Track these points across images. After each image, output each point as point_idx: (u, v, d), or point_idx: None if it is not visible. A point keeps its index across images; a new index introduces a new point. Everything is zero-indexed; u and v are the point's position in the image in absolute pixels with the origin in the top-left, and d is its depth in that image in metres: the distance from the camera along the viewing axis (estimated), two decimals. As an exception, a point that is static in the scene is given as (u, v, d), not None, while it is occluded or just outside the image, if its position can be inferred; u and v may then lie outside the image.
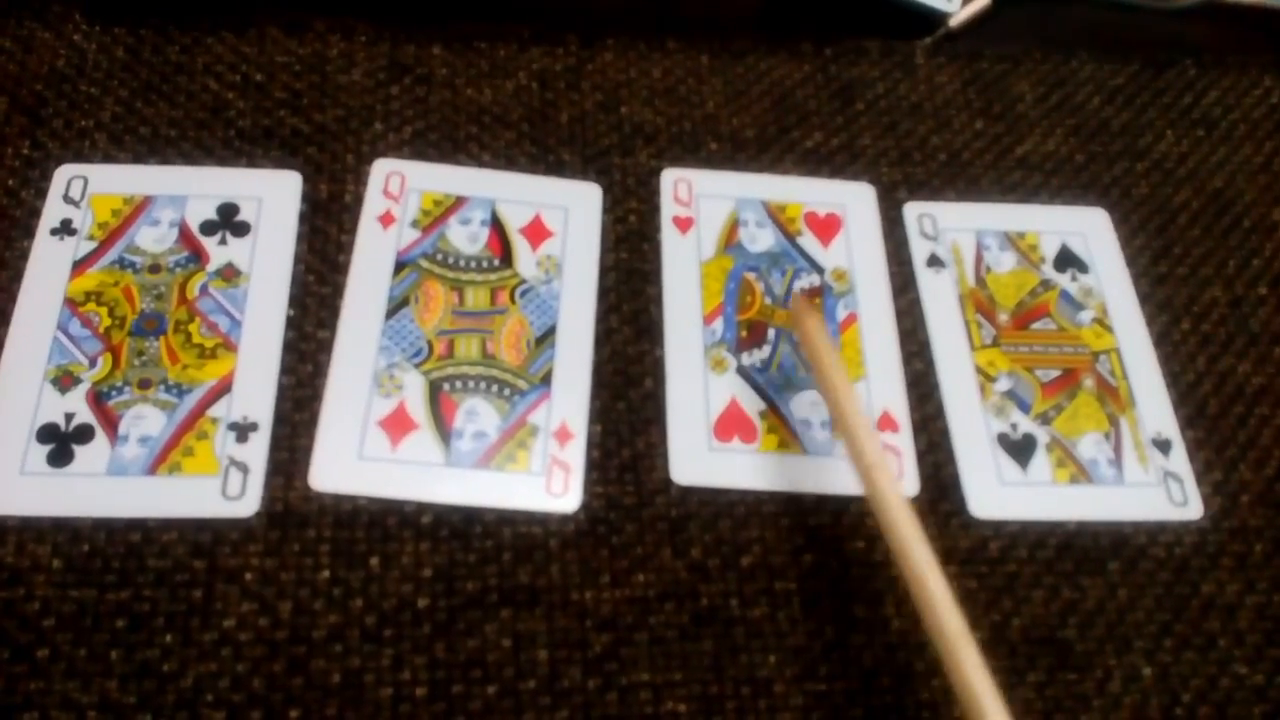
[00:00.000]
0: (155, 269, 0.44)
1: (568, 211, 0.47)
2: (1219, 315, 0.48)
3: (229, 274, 0.44)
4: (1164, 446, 0.44)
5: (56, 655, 0.37)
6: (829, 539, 0.41)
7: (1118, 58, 0.56)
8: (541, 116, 0.50)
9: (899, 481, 0.37)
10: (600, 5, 0.54)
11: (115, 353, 0.42)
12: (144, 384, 0.41)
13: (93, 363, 0.41)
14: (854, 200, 0.49)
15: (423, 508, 0.40)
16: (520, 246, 0.46)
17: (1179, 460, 0.44)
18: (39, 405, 0.40)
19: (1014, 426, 0.44)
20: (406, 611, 0.38)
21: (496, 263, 0.46)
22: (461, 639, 0.38)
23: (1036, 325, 0.47)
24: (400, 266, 0.45)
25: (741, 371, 0.44)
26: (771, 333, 0.45)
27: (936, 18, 0.55)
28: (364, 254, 0.45)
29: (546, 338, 0.44)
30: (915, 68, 0.54)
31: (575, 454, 0.42)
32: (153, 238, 0.45)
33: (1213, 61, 0.57)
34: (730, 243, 0.48)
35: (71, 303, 0.43)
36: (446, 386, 0.43)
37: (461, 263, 0.46)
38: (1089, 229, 0.50)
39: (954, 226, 0.49)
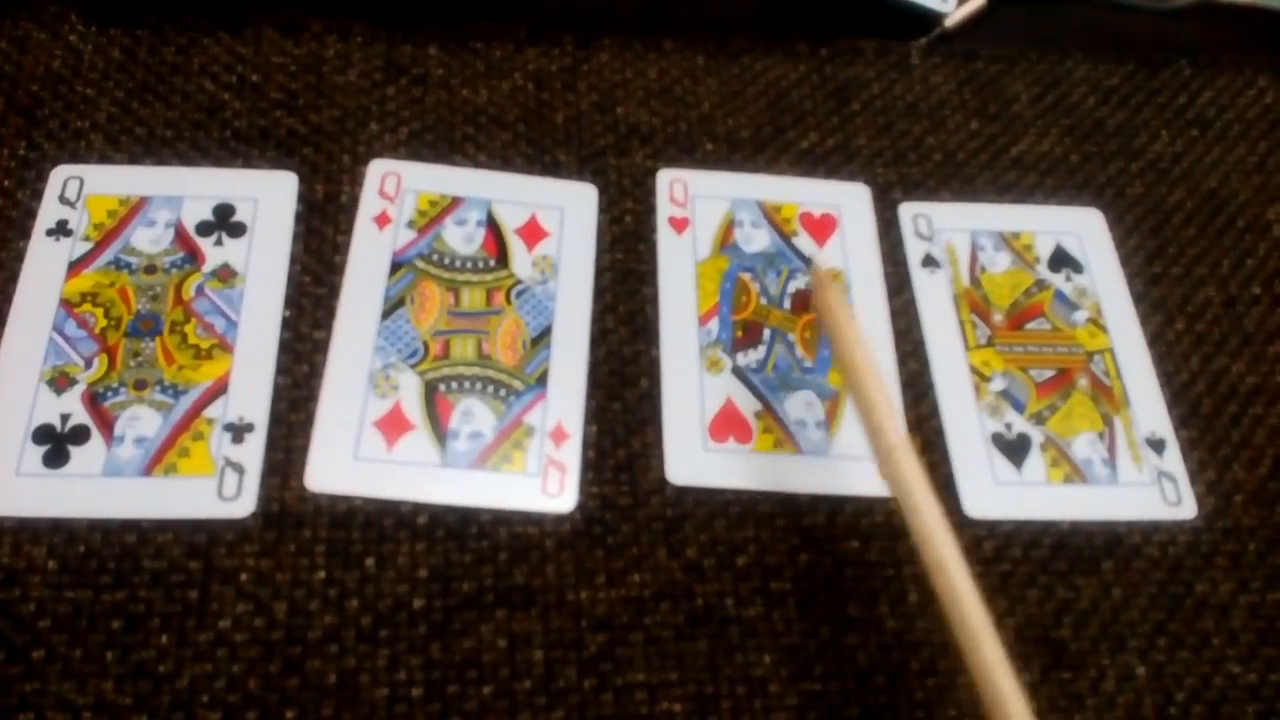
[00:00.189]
0: (151, 270, 0.44)
1: (563, 212, 0.48)
2: (1213, 315, 0.49)
3: (225, 275, 0.44)
4: (1158, 446, 0.45)
5: (52, 656, 0.37)
6: (824, 539, 0.41)
7: (1112, 58, 0.56)
8: (537, 117, 0.50)
9: (919, 462, 0.34)
10: (596, 6, 0.54)
11: (111, 354, 0.42)
12: (140, 385, 0.41)
13: (88, 364, 0.41)
14: (849, 200, 0.50)
15: (418, 508, 0.40)
16: (516, 247, 0.46)
17: (1173, 460, 0.44)
18: (34, 406, 0.40)
19: (1008, 426, 0.44)
20: (402, 612, 0.39)
21: (492, 263, 0.46)
22: (457, 639, 0.38)
23: (1031, 325, 0.47)
24: (396, 267, 0.45)
25: (737, 372, 0.44)
26: (767, 333, 0.45)
27: (932, 18, 0.55)
28: (360, 254, 0.45)
29: (542, 338, 0.44)
30: (910, 68, 0.54)
31: (571, 454, 0.42)
32: (148, 238, 0.45)
33: (1207, 62, 0.57)
34: (726, 243, 0.48)
35: (67, 304, 0.43)
36: (442, 387, 0.43)
37: (457, 263, 0.46)
38: (1083, 229, 0.50)
39: (949, 227, 0.49)
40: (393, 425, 0.42)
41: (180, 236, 0.45)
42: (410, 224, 0.46)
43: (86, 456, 0.40)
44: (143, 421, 0.40)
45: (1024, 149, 0.52)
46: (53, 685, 0.36)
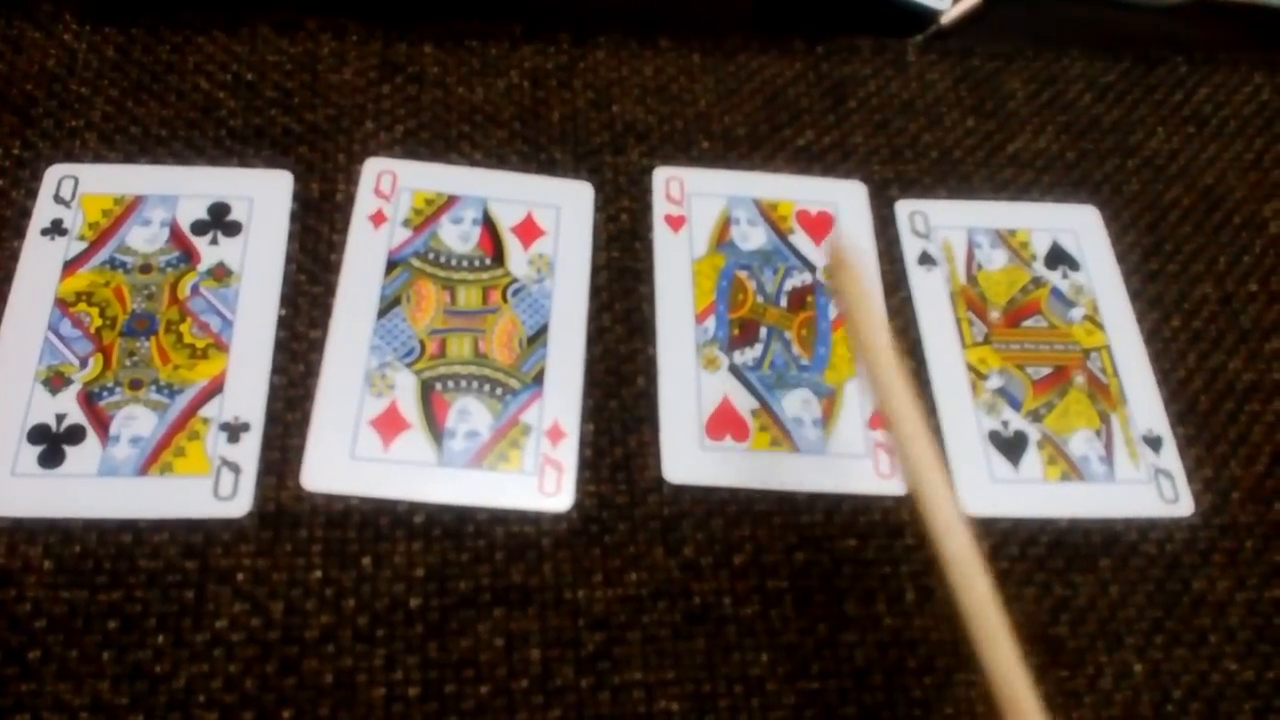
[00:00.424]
0: (146, 269, 0.44)
1: (559, 210, 0.47)
2: (1209, 312, 0.49)
3: (220, 274, 0.44)
4: (1155, 443, 0.45)
5: (48, 657, 0.36)
6: (821, 537, 0.41)
7: (1109, 55, 0.56)
8: (533, 115, 0.50)
9: (938, 452, 0.32)
10: (592, 4, 0.54)
11: (106, 353, 0.42)
12: (135, 384, 0.41)
13: (84, 363, 0.41)
14: (846, 198, 0.50)
15: (415, 507, 0.40)
16: (512, 245, 0.46)
17: (1170, 457, 0.44)
18: (30, 406, 0.40)
19: (1005, 424, 0.44)
20: (399, 611, 0.38)
21: (488, 261, 0.46)
22: (454, 638, 0.38)
23: (1028, 323, 0.47)
24: (392, 266, 0.45)
25: (733, 370, 0.44)
26: (763, 331, 0.45)
27: (928, 15, 0.55)
28: (355, 253, 0.45)
29: (538, 337, 0.44)
30: (907, 65, 0.54)
31: (567, 453, 0.42)
32: (144, 237, 0.44)
33: (1203, 59, 0.57)
34: (722, 241, 0.48)
35: (62, 303, 0.43)
36: (438, 386, 0.43)
37: (453, 262, 0.46)
38: (1080, 226, 0.50)
39: (945, 224, 0.49)
40: (389, 424, 0.41)
41: (175, 235, 0.45)
42: (406, 222, 0.46)
43: (82, 456, 0.40)
44: (138, 421, 0.40)
45: (1020, 146, 0.52)
46: (49, 686, 0.36)
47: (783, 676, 0.39)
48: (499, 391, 0.43)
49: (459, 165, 0.48)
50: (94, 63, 0.49)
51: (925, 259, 0.48)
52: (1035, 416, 0.45)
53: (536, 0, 0.54)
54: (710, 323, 0.45)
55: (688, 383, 0.44)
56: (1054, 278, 0.49)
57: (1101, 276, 0.49)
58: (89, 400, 0.41)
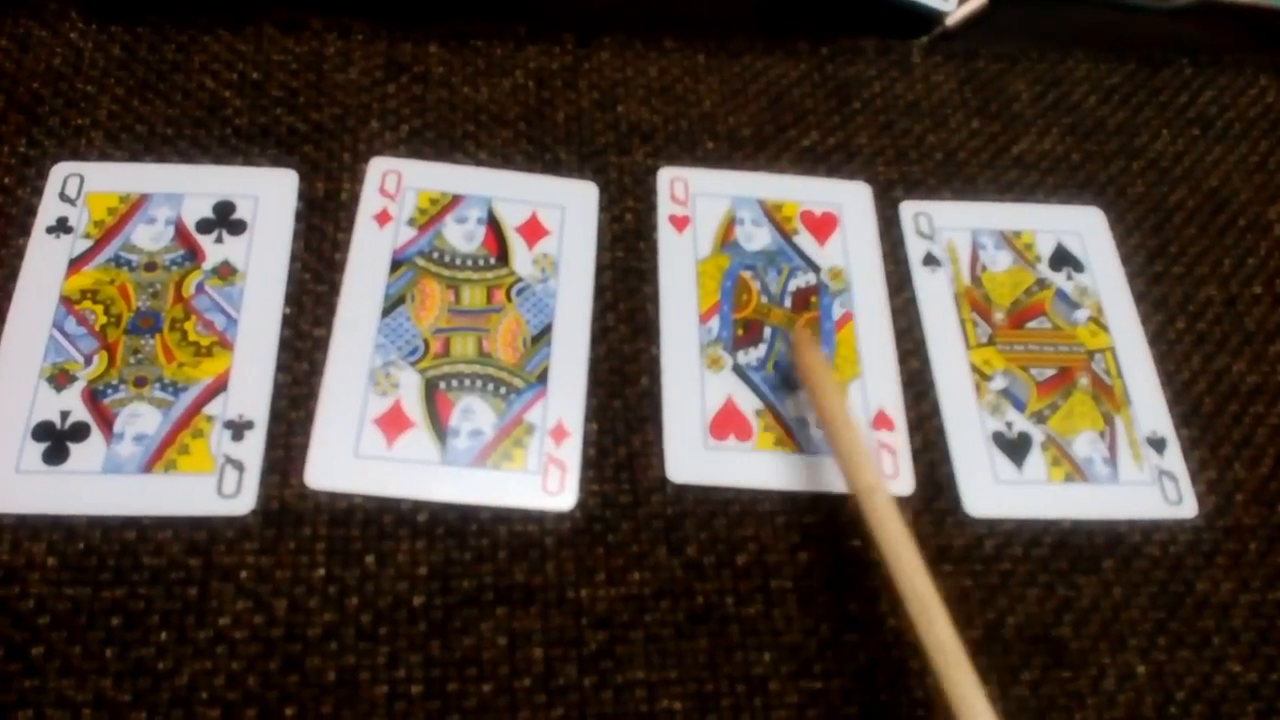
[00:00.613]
0: (151, 267, 0.44)
1: (564, 210, 0.47)
2: (1214, 314, 0.49)
3: (225, 272, 0.44)
4: (1159, 445, 0.45)
5: (51, 653, 0.37)
6: (824, 537, 0.41)
7: (1114, 57, 0.56)
8: (538, 115, 0.50)
9: (895, 505, 0.37)
10: (597, 4, 0.54)
11: (111, 351, 0.42)
12: (140, 382, 0.41)
13: (88, 361, 0.41)
14: (850, 199, 0.50)
15: (418, 506, 0.40)
16: (517, 245, 0.46)
17: (1174, 459, 0.44)
18: (34, 403, 0.40)
19: (1009, 425, 0.44)
20: (402, 609, 0.38)
21: (493, 261, 0.46)
22: (457, 637, 0.38)
23: (1032, 324, 0.47)
24: (396, 265, 0.45)
25: (737, 370, 0.44)
26: (767, 331, 0.45)
27: (933, 17, 0.55)
28: (360, 252, 0.45)
29: (543, 336, 0.44)
30: (912, 67, 0.54)
31: (571, 452, 0.42)
32: (149, 236, 0.45)
33: (1208, 61, 0.57)
34: (726, 241, 0.48)
35: (67, 301, 0.43)
36: (442, 385, 0.43)
37: (458, 261, 0.46)
38: (1084, 228, 0.50)
39: (950, 225, 0.49)
40: (393, 423, 0.41)
41: (180, 234, 0.45)
42: (411, 222, 0.46)
43: (86, 453, 0.40)
44: (143, 419, 0.40)
45: (1025, 148, 0.52)
46: (52, 682, 0.36)
47: (786, 676, 0.39)
48: (503, 390, 0.43)
49: (464, 165, 0.48)
50: (100, 61, 0.49)
51: (929, 260, 0.48)
52: (1039, 418, 0.45)
53: (542, 0, 0.54)
54: (714, 323, 0.45)
55: (691, 383, 0.44)
56: (1058, 279, 0.48)
57: (1106, 278, 0.49)
58: (93, 398, 0.41)
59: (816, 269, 0.47)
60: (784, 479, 0.42)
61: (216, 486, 0.40)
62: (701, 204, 0.48)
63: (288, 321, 0.43)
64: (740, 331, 0.45)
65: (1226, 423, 0.46)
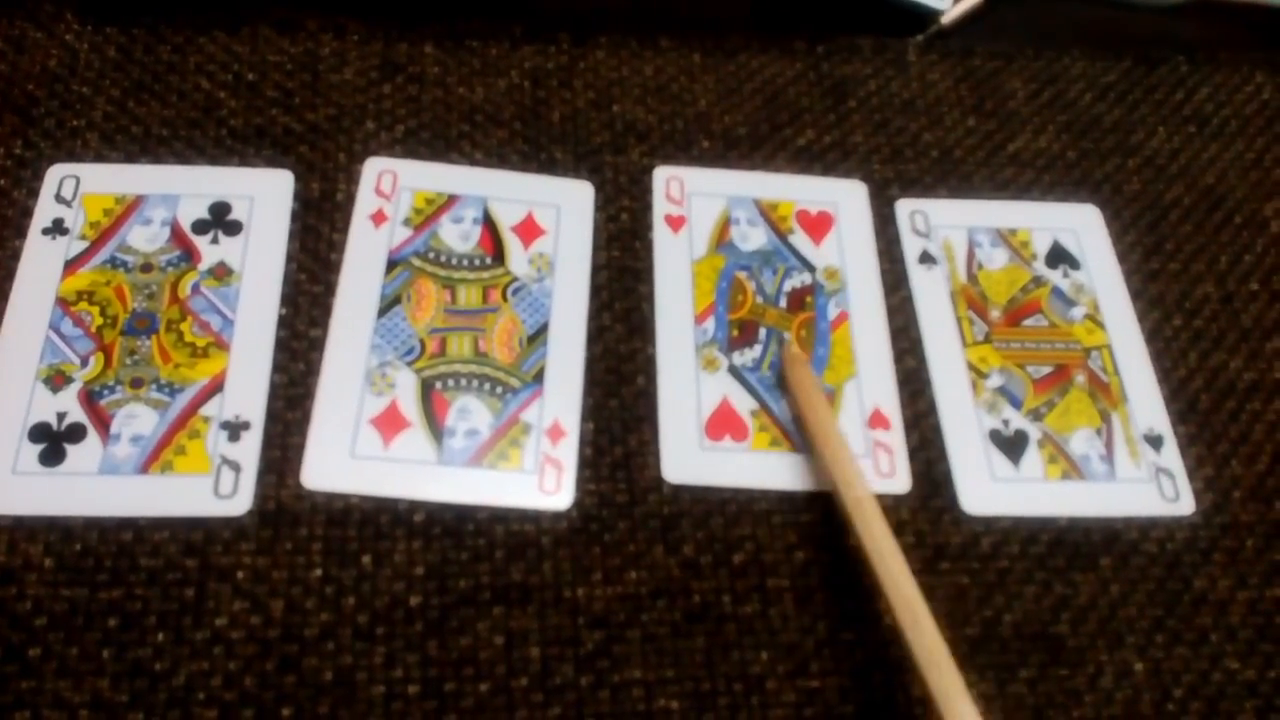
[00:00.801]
0: (147, 268, 0.44)
1: (560, 209, 0.47)
2: (1210, 311, 0.48)
3: (221, 273, 0.44)
4: (1156, 442, 0.45)
5: (48, 654, 0.37)
6: (821, 536, 0.41)
7: (1110, 55, 0.56)
8: (534, 115, 0.50)
9: (883, 515, 0.38)
10: (593, 4, 0.54)
11: (107, 352, 0.42)
12: (136, 383, 0.41)
13: (85, 362, 0.41)
14: (846, 198, 0.50)
15: (415, 506, 0.40)
16: (512, 244, 0.46)
17: (1171, 456, 0.44)
18: (31, 404, 0.40)
19: (1006, 423, 0.44)
20: (399, 609, 0.38)
21: (488, 261, 0.46)
22: (454, 637, 0.38)
23: (1028, 322, 0.47)
24: (392, 265, 0.45)
25: (733, 371, 0.44)
26: (762, 332, 0.45)
27: (929, 15, 0.55)
28: (356, 252, 0.45)
29: (539, 336, 0.44)
30: (907, 65, 0.54)
31: (567, 452, 0.42)
32: (145, 237, 0.45)
33: (1204, 58, 0.57)
34: (722, 241, 0.48)
35: (63, 302, 0.43)
36: (439, 385, 0.43)
37: (454, 261, 0.46)
38: (1081, 225, 0.50)
39: (946, 223, 0.49)
40: (389, 423, 0.41)
41: (176, 235, 0.45)
42: (406, 222, 0.46)
43: (83, 455, 0.40)
44: (139, 420, 0.40)
45: (1021, 145, 0.52)
46: (49, 683, 0.36)
47: (782, 675, 0.39)
48: (499, 390, 0.43)
49: (459, 165, 0.48)
50: (96, 63, 0.49)
51: (926, 258, 0.48)
52: (1036, 415, 0.45)
53: (537, 0, 0.54)
54: (710, 324, 0.45)
55: (687, 383, 0.44)
56: (1055, 277, 0.48)
57: (1102, 275, 0.49)
58: (90, 399, 0.41)
59: (812, 269, 0.47)
60: (780, 478, 0.42)
61: (213, 487, 0.40)
62: (697, 203, 0.48)
63: (284, 322, 0.43)
64: (735, 332, 0.45)
65: (1223, 419, 0.46)
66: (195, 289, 0.44)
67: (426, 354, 0.43)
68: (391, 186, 0.47)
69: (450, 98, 0.50)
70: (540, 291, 0.45)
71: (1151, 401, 0.46)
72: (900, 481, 0.43)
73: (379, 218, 0.46)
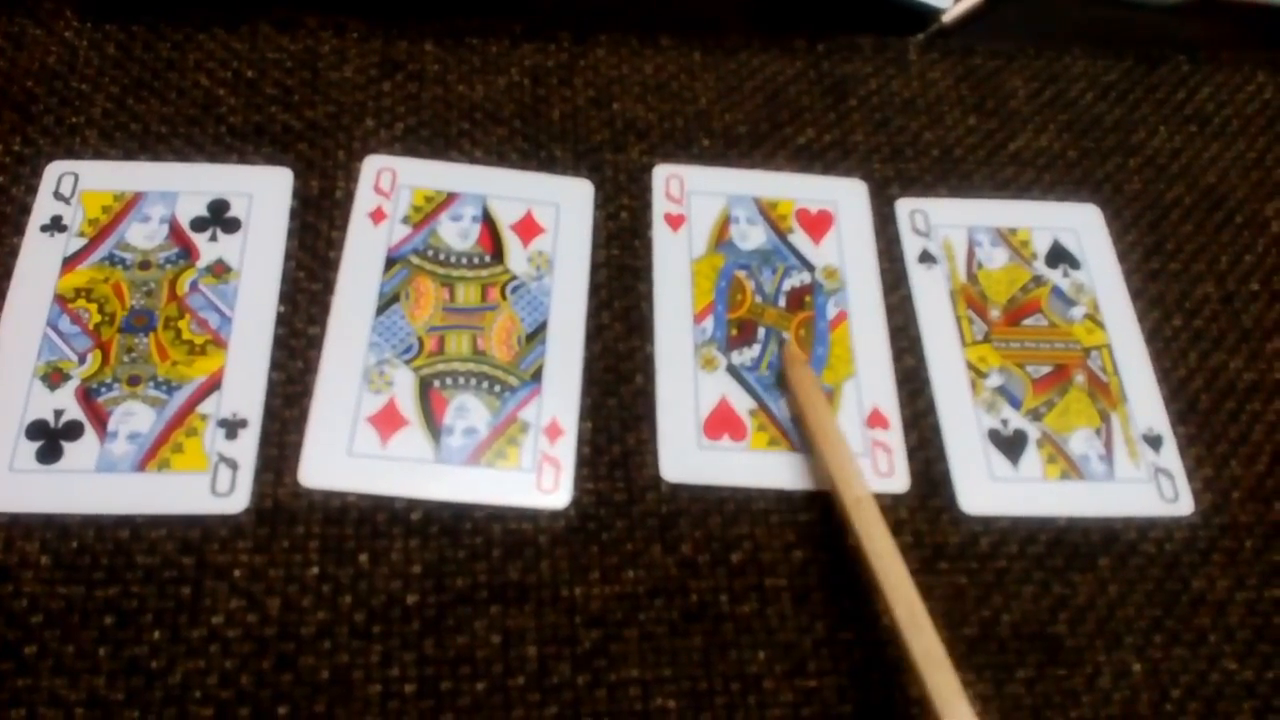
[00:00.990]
0: (145, 265, 0.44)
1: (559, 208, 0.47)
2: (1211, 311, 0.48)
3: (219, 270, 0.44)
4: (1155, 442, 0.44)
5: (44, 652, 0.37)
6: (818, 535, 0.41)
7: (1111, 54, 0.56)
8: (533, 113, 0.50)
9: (881, 516, 0.38)
10: (593, 1, 0.54)
11: (105, 349, 0.42)
12: (133, 380, 0.41)
13: (82, 359, 0.41)
14: (846, 196, 0.49)
15: (412, 504, 0.40)
16: (511, 242, 0.46)
17: (1170, 456, 0.44)
18: (28, 401, 0.40)
19: (1005, 422, 0.44)
20: (396, 608, 0.38)
21: (487, 259, 0.46)
22: (451, 635, 0.38)
23: (1028, 321, 0.47)
24: (391, 263, 0.45)
25: (731, 370, 0.44)
26: (761, 332, 0.45)
27: (929, 14, 0.55)
28: (355, 250, 0.45)
29: (537, 334, 0.44)
30: (908, 64, 0.54)
31: (566, 450, 0.42)
32: (143, 234, 0.45)
33: (1206, 58, 0.57)
34: (721, 240, 0.48)
35: (61, 299, 0.43)
36: (437, 383, 0.43)
37: (452, 259, 0.46)
38: (1081, 225, 0.50)
39: (946, 223, 0.49)
40: (387, 421, 0.41)
41: (175, 232, 0.45)
42: (405, 220, 0.46)
43: (80, 452, 0.40)
44: (136, 417, 0.40)
45: (1022, 145, 0.52)
46: (45, 681, 0.36)
47: (780, 674, 0.39)
48: (497, 388, 0.43)
49: (459, 163, 0.48)
50: (95, 60, 0.49)
51: (925, 257, 0.48)
52: (1035, 415, 0.45)
53: (537, -2, 0.54)
54: (709, 323, 0.45)
55: (685, 382, 0.44)
56: (1055, 276, 0.48)
57: (1102, 275, 0.49)
58: (87, 396, 0.41)
59: (811, 268, 0.47)
60: (778, 478, 0.42)
61: (210, 485, 0.40)
62: (696, 202, 0.48)
63: (282, 320, 0.43)
64: (734, 332, 0.45)
65: (1223, 420, 0.46)
66: (193, 286, 0.43)
67: (425, 352, 0.43)
68: (390, 184, 0.47)
69: (450, 95, 0.50)
70: (539, 290, 0.45)
71: (1151, 401, 0.45)
72: (899, 481, 0.43)
73: (378, 215, 0.46)
